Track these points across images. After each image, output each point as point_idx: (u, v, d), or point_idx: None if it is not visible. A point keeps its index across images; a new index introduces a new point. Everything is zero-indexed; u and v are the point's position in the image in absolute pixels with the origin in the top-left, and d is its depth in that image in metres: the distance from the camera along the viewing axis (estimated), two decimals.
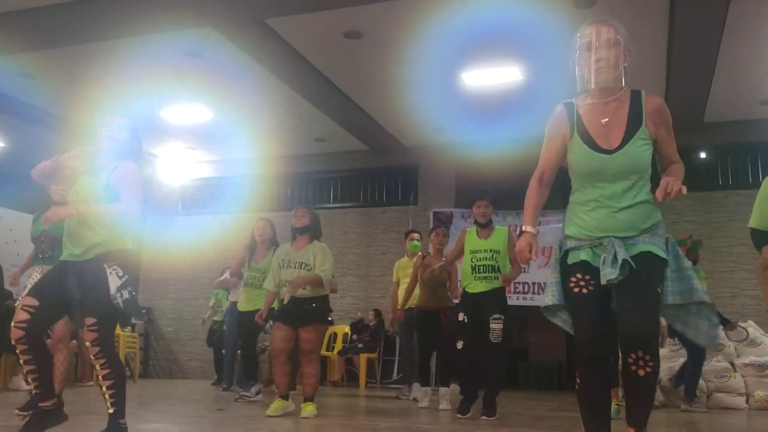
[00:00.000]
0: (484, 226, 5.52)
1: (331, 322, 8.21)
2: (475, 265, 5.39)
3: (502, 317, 5.22)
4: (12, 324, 3.33)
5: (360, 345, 9.77)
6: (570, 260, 2.49)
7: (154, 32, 7.10)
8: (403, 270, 7.28)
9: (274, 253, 5.64)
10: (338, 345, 10.20)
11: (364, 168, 11.35)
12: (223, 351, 8.55)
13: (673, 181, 2.32)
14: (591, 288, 2.41)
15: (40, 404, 3.45)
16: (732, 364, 7.27)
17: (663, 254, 2.40)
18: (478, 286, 5.35)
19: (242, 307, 6.66)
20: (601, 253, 2.40)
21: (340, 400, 5.24)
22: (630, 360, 2.29)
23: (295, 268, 5.19)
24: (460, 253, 5.64)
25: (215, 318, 9.40)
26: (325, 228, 6.24)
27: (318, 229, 5.49)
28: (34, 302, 3.35)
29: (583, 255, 2.45)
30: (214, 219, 11.68)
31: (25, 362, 3.36)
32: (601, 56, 2.44)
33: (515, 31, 6.90)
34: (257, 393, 6.64)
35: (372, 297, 10.78)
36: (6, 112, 9.42)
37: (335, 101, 8.97)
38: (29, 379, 3.44)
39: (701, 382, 7.11)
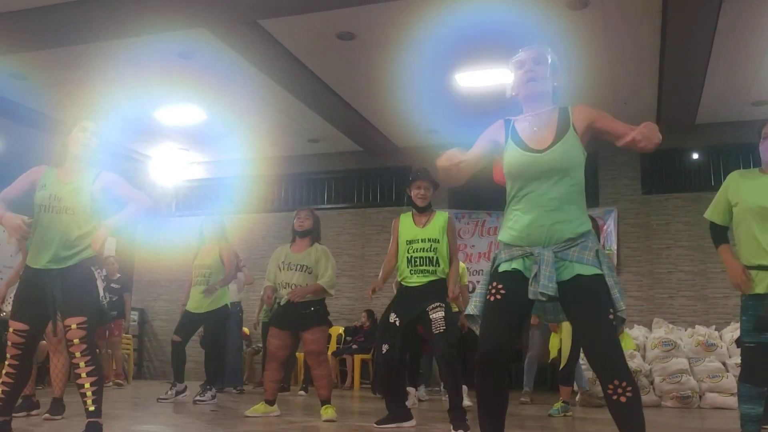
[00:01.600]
0: (422, 211, 4.87)
1: (330, 324, 8.10)
2: (411, 257, 4.71)
3: (443, 305, 4.54)
4: (9, 343, 3.44)
5: (354, 346, 9.79)
6: (500, 269, 2.60)
7: (146, 33, 7.07)
8: None
9: (273, 254, 5.58)
10: (332, 346, 10.20)
11: (357, 169, 11.34)
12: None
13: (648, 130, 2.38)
14: (499, 297, 2.53)
15: None
16: (724, 364, 7.30)
17: (596, 270, 2.49)
18: (414, 280, 4.70)
19: (192, 307, 6.54)
20: (532, 265, 2.51)
21: (333, 401, 5.23)
22: (609, 390, 2.37)
23: (296, 270, 5.15)
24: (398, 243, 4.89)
25: None
26: None
27: (318, 232, 5.50)
28: (24, 326, 3.43)
29: (515, 264, 2.56)
30: (207, 220, 11.63)
31: (7, 374, 3.45)
32: (529, 68, 2.73)
33: (508, 33, 6.89)
34: (213, 397, 6.52)
35: (366, 298, 10.75)
36: None
37: (328, 102, 8.96)
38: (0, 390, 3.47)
39: (694, 382, 7.13)
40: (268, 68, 7.96)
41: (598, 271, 2.48)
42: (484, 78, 8.08)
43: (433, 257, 4.69)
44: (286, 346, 5.24)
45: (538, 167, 2.56)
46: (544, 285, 2.42)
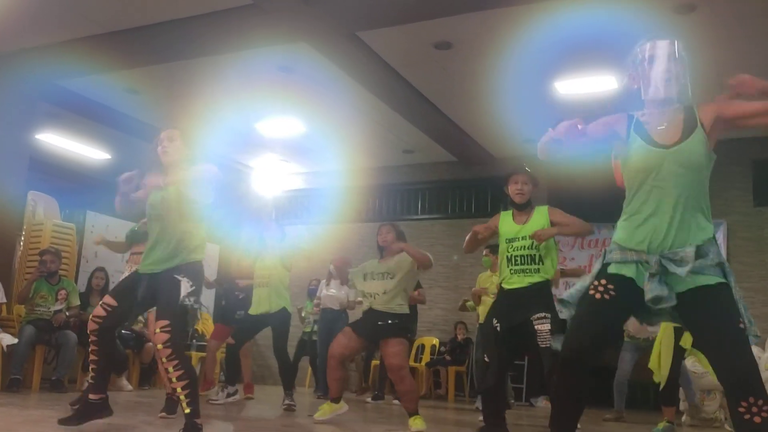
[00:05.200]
0: (522, 208, 4.56)
1: (410, 339, 7.94)
2: (512, 255, 4.44)
3: (548, 316, 4.22)
4: (90, 317, 3.68)
5: (448, 357, 9.72)
6: (610, 270, 2.45)
7: (251, 48, 7.34)
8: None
9: (362, 266, 5.53)
10: (426, 357, 10.17)
11: (452, 179, 11.29)
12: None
13: None
14: (607, 297, 2.38)
15: (90, 396, 3.72)
16: None
17: (719, 278, 2.30)
18: (514, 281, 4.42)
19: (252, 310, 6.44)
20: (647, 271, 2.35)
21: (426, 412, 5.18)
22: (742, 409, 2.16)
23: (377, 279, 5.08)
24: (487, 235, 4.60)
25: (304, 329, 9.52)
26: (412, 239, 6.19)
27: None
28: (113, 302, 3.66)
29: (626, 270, 2.40)
30: (305, 229, 11.90)
31: (92, 352, 3.67)
32: (666, 68, 2.50)
33: (610, 39, 6.68)
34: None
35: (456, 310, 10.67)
36: (112, 126, 9.95)
37: (424, 112, 8.99)
38: (90, 369, 3.75)
39: None
40: (365, 80, 8.08)
41: (722, 280, 2.30)
42: (584, 85, 7.90)
43: (534, 255, 4.39)
44: (351, 347, 5.07)
45: (663, 163, 2.41)
46: (657, 290, 2.27)
